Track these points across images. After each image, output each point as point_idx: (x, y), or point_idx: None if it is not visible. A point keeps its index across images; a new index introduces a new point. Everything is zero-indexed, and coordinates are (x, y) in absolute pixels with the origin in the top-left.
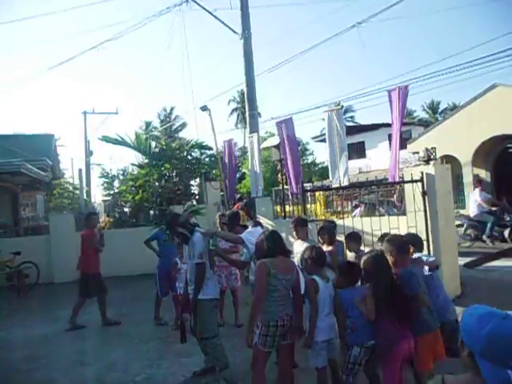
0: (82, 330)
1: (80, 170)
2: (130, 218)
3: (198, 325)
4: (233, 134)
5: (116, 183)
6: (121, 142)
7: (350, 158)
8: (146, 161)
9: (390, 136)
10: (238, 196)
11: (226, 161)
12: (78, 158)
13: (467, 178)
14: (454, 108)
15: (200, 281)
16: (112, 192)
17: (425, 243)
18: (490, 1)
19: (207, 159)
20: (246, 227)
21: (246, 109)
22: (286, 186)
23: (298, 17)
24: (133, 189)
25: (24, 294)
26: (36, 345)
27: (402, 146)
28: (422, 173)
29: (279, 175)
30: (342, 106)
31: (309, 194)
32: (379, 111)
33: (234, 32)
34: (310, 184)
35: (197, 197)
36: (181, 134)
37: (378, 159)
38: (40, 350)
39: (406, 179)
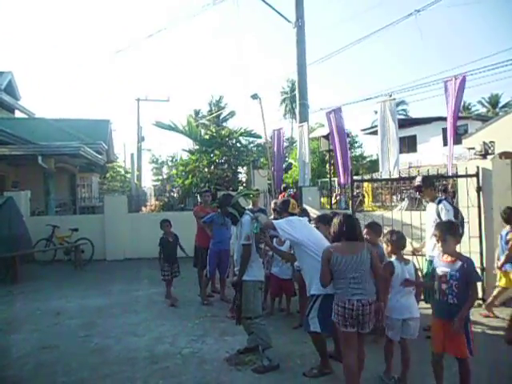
0: (132, 304)
1: (132, 155)
2: (179, 202)
3: (242, 305)
4: (280, 124)
5: (165, 169)
6: (173, 128)
7: (400, 151)
8: (197, 147)
9: (443, 130)
10: (283, 185)
11: (275, 149)
12: (129, 143)
13: None
14: None
15: (245, 262)
16: (160, 177)
17: (476, 240)
18: None
19: (255, 148)
20: (294, 215)
21: (297, 98)
22: (333, 178)
23: (352, 5)
24: (183, 173)
25: (80, 268)
26: (91, 314)
27: (456, 139)
28: (478, 167)
29: (327, 166)
30: (394, 98)
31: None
32: (433, 105)
33: (288, 20)
34: (358, 177)
35: (244, 184)
36: (229, 123)
37: (430, 154)
38: (95, 319)
39: (459, 173)
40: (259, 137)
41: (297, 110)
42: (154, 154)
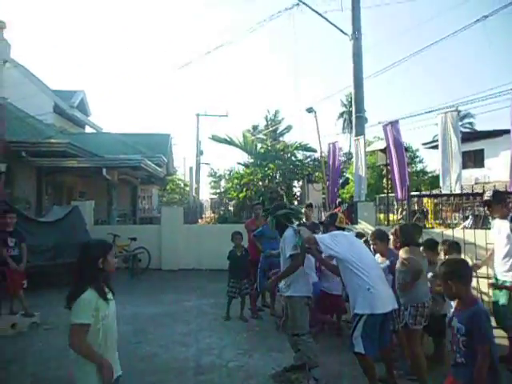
0: (183, 314)
1: (191, 168)
2: (234, 215)
3: (289, 321)
4: (339, 138)
5: (222, 182)
6: (229, 142)
7: (465, 166)
8: (252, 160)
9: None
10: (338, 200)
11: (330, 163)
12: (189, 157)
13: None
14: None
15: (291, 269)
16: (218, 191)
17: None
18: None
19: (310, 162)
20: (342, 229)
21: (353, 111)
22: (391, 194)
23: (413, 15)
24: (238, 187)
25: (136, 276)
26: (144, 322)
27: None
28: None
29: (384, 180)
30: (459, 111)
31: (416, 201)
32: (502, 117)
33: (344, 33)
34: (418, 192)
35: (298, 198)
36: (285, 137)
37: (499, 169)
38: (147, 327)
39: None
40: (314, 150)
41: (354, 124)
42: (213, 168)
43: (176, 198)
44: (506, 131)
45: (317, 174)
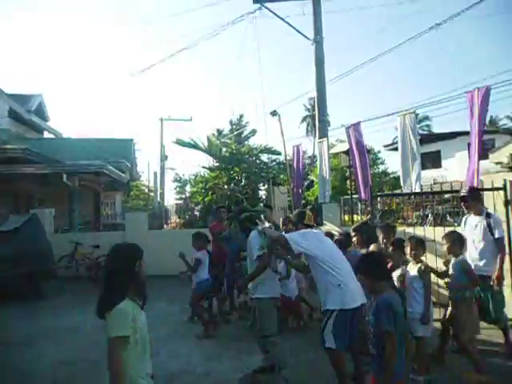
0: (149, 321)
1: (155, 173)
2: (200, 219)
3: (257, 323)
4: (303, 141)
5: (188, 187)
6: (193, 146)
7: (424, 167)
8: (217, 164)
9: (469, 145)
10: (303, 202)
11: (295, 166)
12: (153, 162)
13: None
14: None
15: (259, 270)
16: (183, 196)
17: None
18: None
19: (275, 165)
20: (310, 227)
21: (316, 114)
22: (354, 196)
23: (371, 21)
24: (203, 191)
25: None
26: None
27: (481, 151)
28: (505, 180)
29: (348, 182)
30: (417, 114)
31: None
32: (457, 119)
33: (306, 37)
34: (381, 193)
35: (264, 201)
36: (251, 141)
37: (455, 170)
38: None
39: (485, 187)
40: (279, 153)
41: (316, 127)
42: (178, 173)
43: (140, 203)
44: (461, 133)
45: (282, 176)
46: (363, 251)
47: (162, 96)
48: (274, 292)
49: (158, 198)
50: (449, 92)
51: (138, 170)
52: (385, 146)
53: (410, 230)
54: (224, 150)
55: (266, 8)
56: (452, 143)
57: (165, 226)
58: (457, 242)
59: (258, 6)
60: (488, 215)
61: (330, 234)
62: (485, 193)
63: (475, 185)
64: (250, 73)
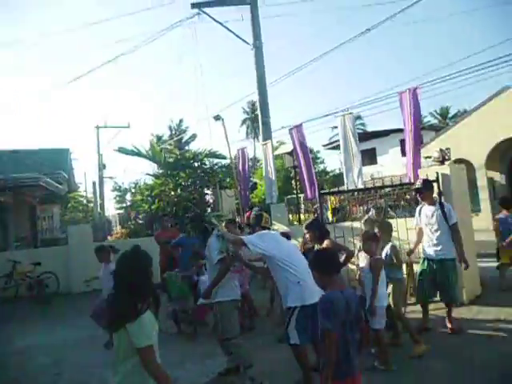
0: (102, 336)
1: (94, 184)
2: (146, 228)
3: (219, 326)
4: (243, 144)
5: (128, 196)
6: (136, 153)
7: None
8: (161, 171)
9: (401, 142)
10: (249, 204)
11: (240, 169)
12: (90, 172)
13: (481, 182)
14: (465, 113)
15: (222, 272)
16: (124, 205)
17: None
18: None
19: (220, 169)
20: (267, 229)
21: (259, 117)
22: (299, 195)
23: (308, 26)
24: (149, 198)
25: (44, 303)
26: (63, 350)
27: (417, 148)
28: (438, 173)
29: (293, 182)
30: (352, 113)
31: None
32: (389, 117)
33: (246, 42)
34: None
35: (212, 205)
36: (191, 146)
37: (390, 165)
38: (65, 354)
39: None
40: (224, 157)
41: (260, 129)
42: (117, 182)
43: (79, 215)
44: (393, 130)
45: (228, 180)
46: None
47: (98, 103)
48: (235, 294)
49: (99, 209)
50: (380, 92)
51: (75, 180)
52: (324, 146)
53: (357, 224)
54: (167, 155)
55: (205, 13)
56: (386, 140)
57: (108, 237)
58: (386, 231)
59: (197, 10)
60: (441, 204)
61: (285, 235)
62: None
63: (412, 178)
64: (190, 78)
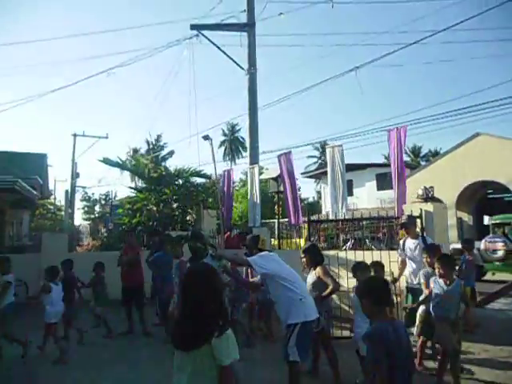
0: (90, 346)
1: (66, 192)
2: (121, 241)
3: None
4: (221, 166)
5: (97, 208)
6: (121, 165)
7: None
8: (144, 185)
9: (377, 176)
10: (229, 226)
11: (225, 190)
12: (61, 180)
13: (451, 221)
14: (436, 153)
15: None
16: (92, 216)
17: None
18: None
19: (202, 188)
20: (262, 251)
21: (248, 142)
22: (281, 220)
23: (296, 55)
24: (130, 212)
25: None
26: (34, 361)
27: (401, 182)
28: (421, 210)
29: (276, 207)
30: (341, 145)
31: (298, 228)
32: (365, 152)
33: (241, 67)
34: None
35: (192, 224)
36: (168, 163)
37: (365, 198)
38: (40, 366)
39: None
40: (208, 177)
41: (248, 153)
42: (87, 192)
43: (46, 223)
44: (371, 165)
45: (210, 199)
46: (316, 271)
47: (77, 113)
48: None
49: (68, 218)
50: (359, 127)
51: (49, 187)
52: (302, 174)
53: (342, 254)
54: (151, 170)
55: (203, 35)
56: (362, 174)
57: (77, 248)
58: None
59: (195, 32)
60: (424, 238)
61: None
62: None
63: (398, 213)
64: (178, 95)
